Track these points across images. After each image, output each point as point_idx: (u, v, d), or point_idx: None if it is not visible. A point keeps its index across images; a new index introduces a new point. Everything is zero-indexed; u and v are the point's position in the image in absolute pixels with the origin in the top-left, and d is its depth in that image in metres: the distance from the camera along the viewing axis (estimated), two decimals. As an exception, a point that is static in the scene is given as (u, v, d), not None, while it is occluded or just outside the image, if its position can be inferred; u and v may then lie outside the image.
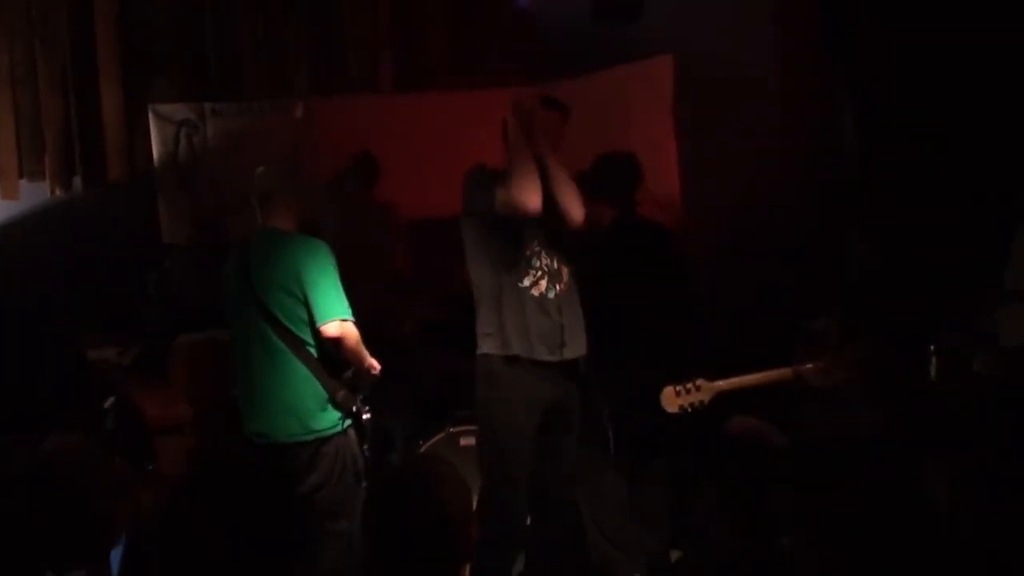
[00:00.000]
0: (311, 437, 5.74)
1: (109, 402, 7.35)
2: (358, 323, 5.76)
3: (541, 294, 5.70)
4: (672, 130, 7.45)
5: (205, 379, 6.49)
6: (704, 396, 5.31)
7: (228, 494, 6.15)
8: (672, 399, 5.33)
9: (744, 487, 3.41)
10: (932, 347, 5.12)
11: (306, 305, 5.68)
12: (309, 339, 5.72)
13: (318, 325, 5.65)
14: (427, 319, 7.81)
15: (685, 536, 6.85)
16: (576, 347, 5.83)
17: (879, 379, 5.07)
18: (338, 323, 5.65)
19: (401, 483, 3.25)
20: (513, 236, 5.70)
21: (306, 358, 5.72)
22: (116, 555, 5.27)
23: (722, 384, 5.33)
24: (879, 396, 5.02)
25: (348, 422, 5.84)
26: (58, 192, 9.18)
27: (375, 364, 5.86)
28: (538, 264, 5.71)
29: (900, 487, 2.40)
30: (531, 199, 5.54)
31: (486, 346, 5.77)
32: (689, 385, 5.32)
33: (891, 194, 6.00)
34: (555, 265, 5.77)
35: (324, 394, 5.74)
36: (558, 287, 5.75)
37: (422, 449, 7.00)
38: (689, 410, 5.31)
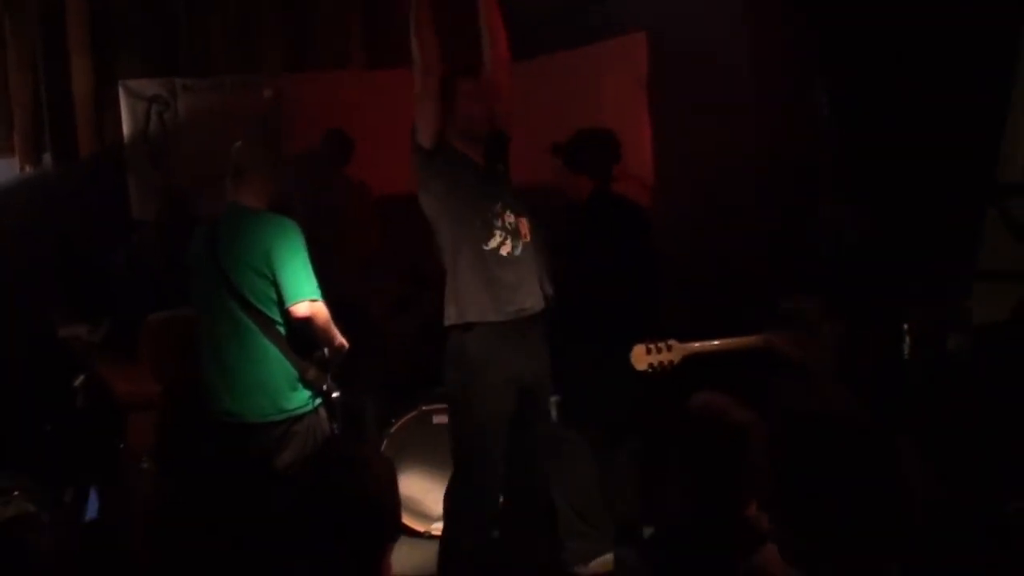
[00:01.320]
0: (282, 416, 5.71)
1: (79, 380, 7.32)
2: (329, 301, 5.74)
3: (509, 253, 5.71)
4: (645, 107, 7.44)
5: (176, 356, 6.43)
6: (674, 356, 5.30)
7: (200, 472, 6.13)
8: (641, 356, 5.32)
9: (706, 464, 3.42)
10: (905, 325, 5.13)
11: (275, 285, 5.64)
12: (278, 318, 5.69)
13: (287, 305, 5.62)
14: (398, 296, 7.80)
15: (657, 512, 6.88)
16: (538, 295, 5.83)
17: (854, 358, 5.08)
18: (307, 304, 5.61)
19: (321, 469, 3.23)
20: (473, 199, 5.72)
21: (276, 338, 5.69)
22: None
23: (693, 346, 5.33)
24: (852, 375, 5.03)
25: (319, 401, 5.82)
26: (27, 168, 9.13)
27: (344, 342, 5.85)
28: (500, 224, 5.71)
29: (873, 463, 2.39)
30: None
31: (453, 316, 5.74)
32: (660, 344, 5.30)
33: (864, 172, 6.00)
34: (515, 222, 5.78)
35: (294, 373, 5.72)
36: (522, 242, 5.77)
37: (394, 428, 7.00)
38: (658, 369, 5.31)
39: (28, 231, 8.83)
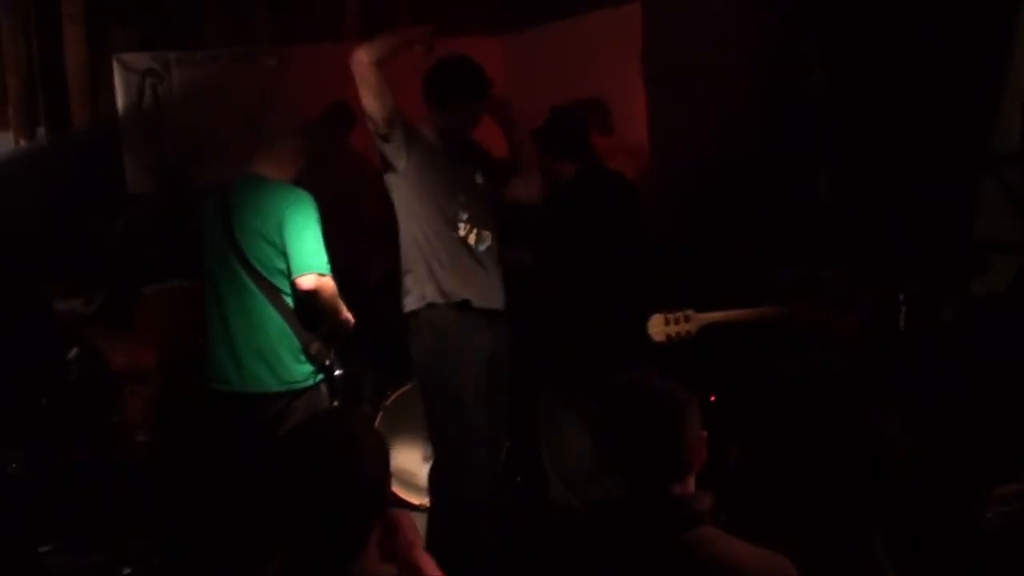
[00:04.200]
0: (283, 388, 5.73)
1: (73, 352, 7.31)
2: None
3: (474, 243, 5.80)
4: (641, 79, 7.40)
5: (171, 328, 6.45)
6: (692, 327, 5.28)
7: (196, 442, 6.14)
8: (659, 327, 5.29)
9: (630, 440, 3.38)
10: (901, 296, 5.12)
11: (285, 255, 5.63)
12: (286, 289, 5.69)
13: (293, 277, 5.62)
14: (395, 268, 7.79)
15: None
16: (501, 299, 6.05)
17: (886, 327, 5.06)
18: (314, 277, 5.61)
19: (306, 443, 3.18)
20: (444, 189, 5.84)
21: (282, 308, 5.68)
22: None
23: (712, 316, 5.31)
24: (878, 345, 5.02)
25: (320, 376, 5.82)
26: (22, 142, 9.10)
27: (350, 317, 5.85)
28: (466, 217, 5.80)
29: (860, 431, 2.37)
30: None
31: (428, 295, 5.91)
32: (679, 314, 5.28)
33: (861, 144, 5.99)
34: (480, 219, 5.88)
35: (298, 345, 5.72)
36: (485, 242, 5.84)
37: (390, 399, 6.99)
38: (675, 339, 5.29)
39: (23, 205, 8.80)
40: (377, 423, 6.81)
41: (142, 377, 6.34)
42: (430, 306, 5.85)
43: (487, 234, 5.95)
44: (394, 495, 6.40)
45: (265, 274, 5.67)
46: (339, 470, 3.04)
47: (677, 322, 5.27)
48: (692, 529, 3.19)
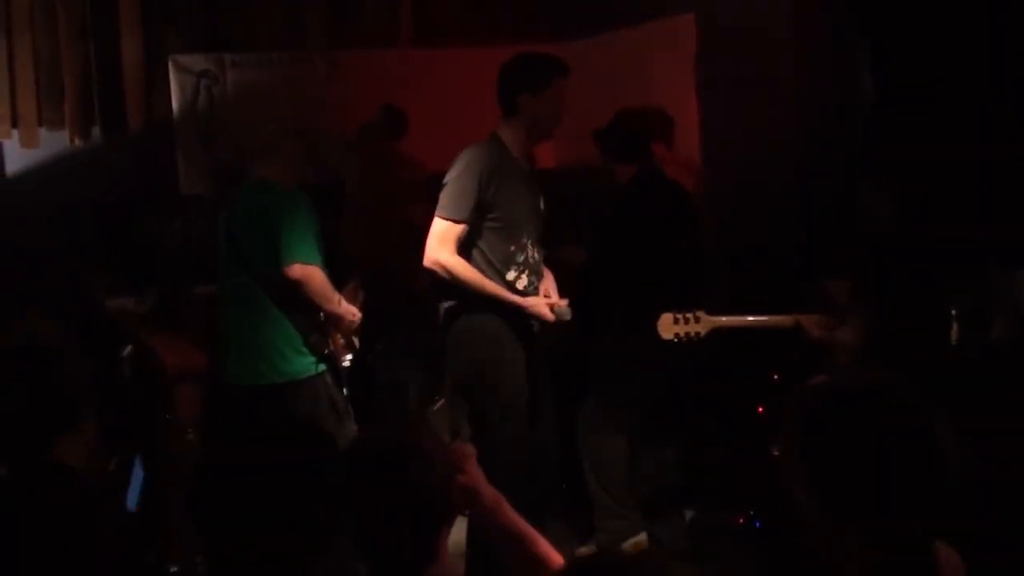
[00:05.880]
0: (282, 380, 5.85)
1: (126, 351, 7.38)
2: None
3: (524, 288, 5.76)
4: (694, 90, 7.43)
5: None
6: (701, 328, 5.34)
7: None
8: (668, 326, 5.35)
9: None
10: (952, 311, 5.11)
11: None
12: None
13: (281, 266, 5.71)
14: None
15: (698, 497, 6.88)
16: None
17: (884, 344, 5.06)
18: (300, 266, 5.70)
19: (373, 456, 3.19)
20: (505, 235, 5.76)
21: (280, 302, 5.82)
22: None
23: (721, 320, 5.36)
24: (885, 357, 5.01)
25: (323, 366, 5.92)
26: (77, 141, 9.18)
27: (352, 311, 5.98)
28: (523, 259, 5.75)
29: (916, 443, 2.39)
30: None
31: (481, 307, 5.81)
32: (688, 315, 5.34)
33: (908, 152, 5.98)
34: (536, 257, 5.84)
35: (298, 337, 5.84)
36: (537, 280, 5.82)
37: (438, 405, 7.01)
38: (683, 339, 5.34)
39: (77, 203, 8.88)
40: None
41: (193, 376, 6.41)
42: (463, 309, 5.85)
43: (539, 271, 5.90)
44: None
45: (263, 269, 5.80)
46: (404, 484, 3.04)
47: (687, 322, 5.33)
48: None
